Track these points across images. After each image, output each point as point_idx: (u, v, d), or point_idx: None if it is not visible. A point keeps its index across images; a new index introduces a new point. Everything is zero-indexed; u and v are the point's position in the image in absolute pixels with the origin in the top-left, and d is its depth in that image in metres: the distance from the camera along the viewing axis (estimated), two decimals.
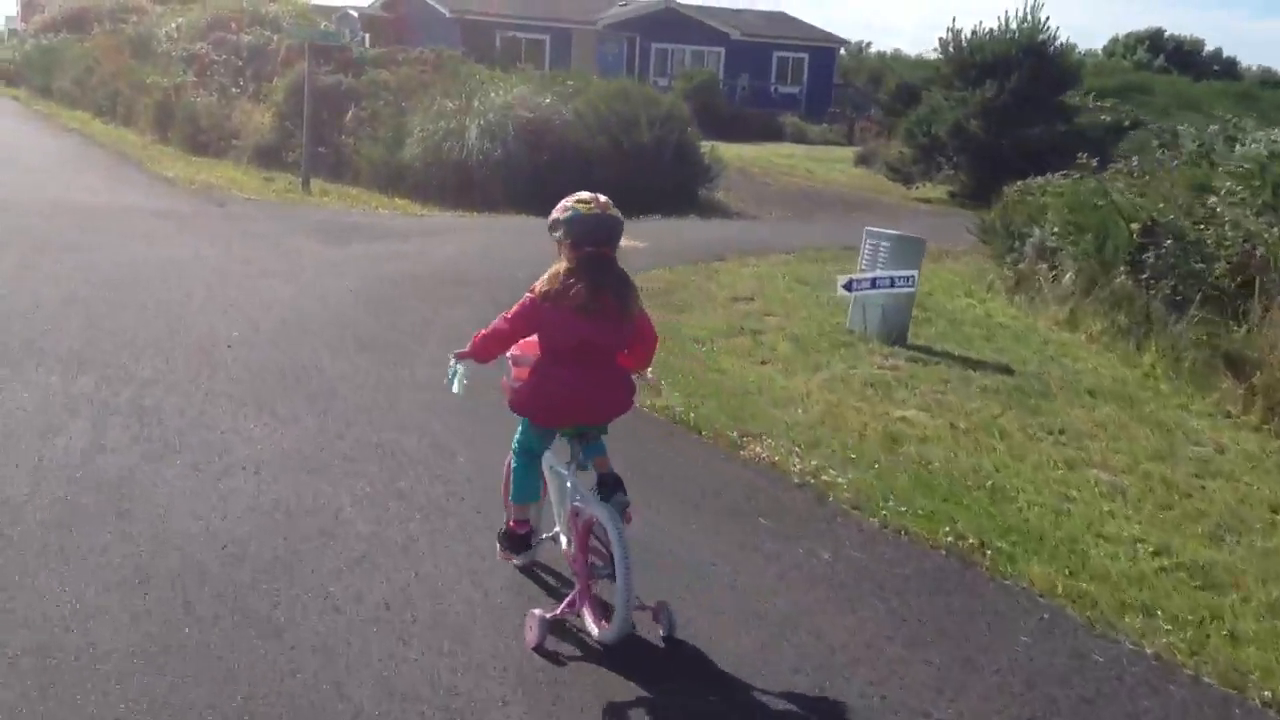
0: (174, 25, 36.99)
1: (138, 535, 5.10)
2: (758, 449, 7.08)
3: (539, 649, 4.29)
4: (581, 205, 4.29)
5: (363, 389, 7.67)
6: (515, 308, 4.34)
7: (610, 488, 4.58)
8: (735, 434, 7.32)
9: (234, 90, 25.93)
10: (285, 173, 21.91)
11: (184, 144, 25.29)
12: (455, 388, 4.46)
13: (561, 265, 4.30)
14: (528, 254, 13.52)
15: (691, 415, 7.62)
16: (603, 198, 4.35)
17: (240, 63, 27.08)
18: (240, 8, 36.31)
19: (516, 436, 4.63)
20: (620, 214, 4.37)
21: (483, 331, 4.44)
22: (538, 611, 4.38)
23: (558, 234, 4.32)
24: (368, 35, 31.33)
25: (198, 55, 28.19)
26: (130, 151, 23.79)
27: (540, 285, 4.30)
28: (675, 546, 5.45)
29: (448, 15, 37.65)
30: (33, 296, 9.35)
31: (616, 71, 35.35)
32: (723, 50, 42.36)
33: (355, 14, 27.25)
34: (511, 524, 4.74)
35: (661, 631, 4.46)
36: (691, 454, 7.01)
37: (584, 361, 4.30)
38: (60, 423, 6.51)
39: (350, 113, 22.40)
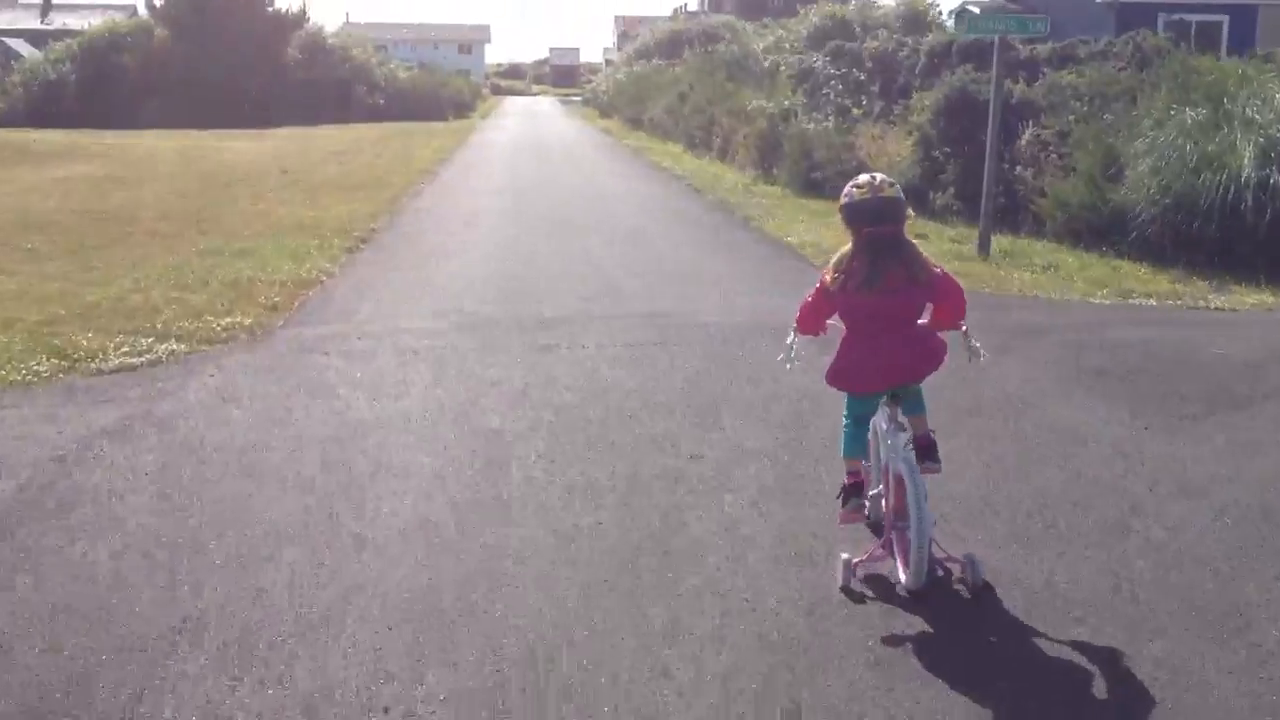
0: (772, 39, 32.16)
1: None
2: None
3: (845, 589, 4.35)
4: (857, 190, 4.41)
5: None
6: (811, 293, 4.55)
7: (922, 451, 4.62)
8: None
9: (854, 111, 19.98)
10: (935, 223, 15.48)
11: (793, 182, 19.65)
12: (788, 363, 4.69)
13: (846, 248, 4.45)
14: None
15: None
16: (879, 178, 4.46)
17: (862, 76, 21.08)
18: (848, 11, 30.81)
19: (844, 412, 4.79)
20: (899, 192, 4.41)
21: (799, 313, 4.64)
22: (846, 555, 4.46)
23: (841, 219, 4.52)
24: None
25: (810, 70, 22.49)
26: (731, 198, 18.40)
27: (828, 271, 4.48)
28: None
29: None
30: None
31: None
32: None
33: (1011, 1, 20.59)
34: (847, 478, 4.78)
35: (969, 584, 4.39)
36: None
37: (881, 331, 4.41)
38: None
39: (1026, 134, 15.56)
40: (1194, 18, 29.68)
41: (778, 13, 40.09)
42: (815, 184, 19.22)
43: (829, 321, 4.58)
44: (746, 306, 9.62)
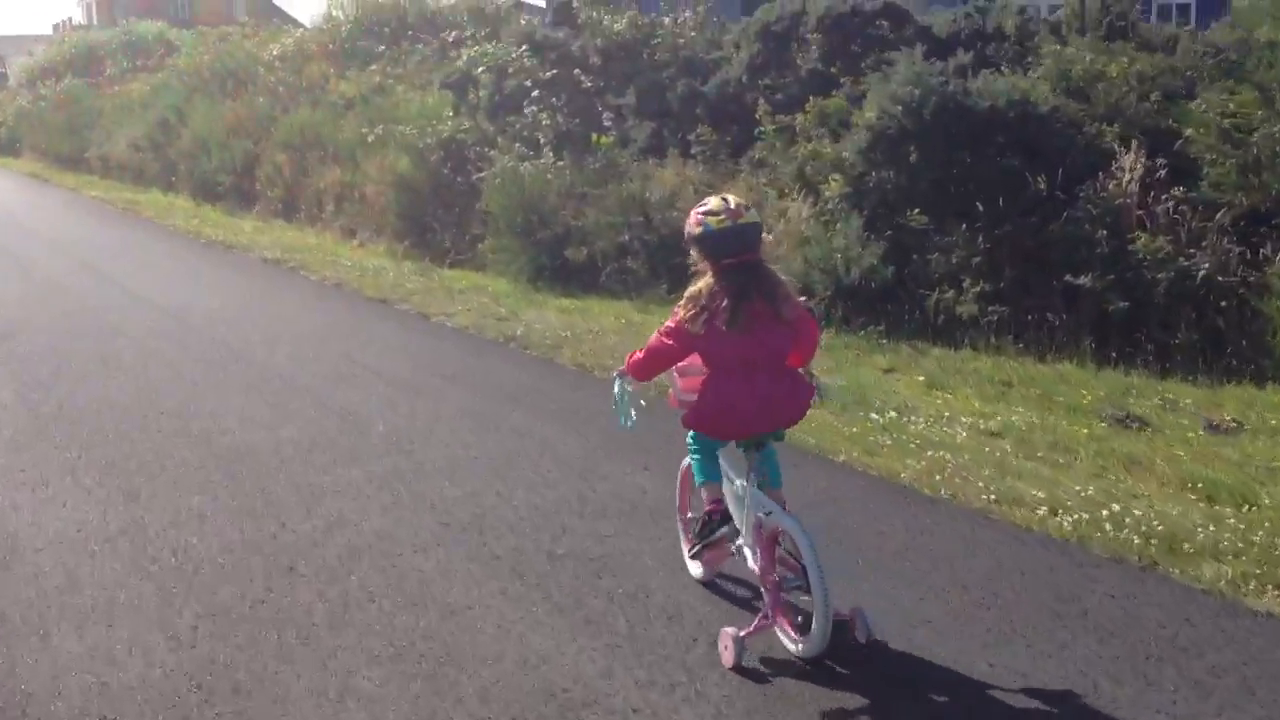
0: (291, 40, 22.09)
1: None
2: None
3: (737, 668, 3.62)
4: (712, 218, 3.58)
5: None
6: (665, 331, 3.71)
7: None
8: None
9: (602, 142, 11.26)
10: (943, 348, 7.59)
11: (522, 270, 10.67)
12: (626, 420, 3.96)
13: (704, 282, 3.64)
14: None
15: None
16: (734, 202, 3.63)
17: (586, 83, 12.36)
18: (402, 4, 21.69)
19: (689, 443, 4.02)
20: (757, 215, 3.72)
21: (638, 353, 3.85)
22: (731, 629, 3.70)
23: (694, 251, 3.70)
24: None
25: (472, 77, 13.33)
26: (464, 315, 9.11)
27: (684, 309, 3.65)
28: None
29: None
30: None
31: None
32: None
33: None
34: (708, 507, 3.93)
35: (860, 638, 3.76)
36: None
37: (751, 371, 3.65)
38: None
39: (1131, 164, 7.88)
40: None
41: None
42: (573, 270, 10.38)
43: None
44: None
